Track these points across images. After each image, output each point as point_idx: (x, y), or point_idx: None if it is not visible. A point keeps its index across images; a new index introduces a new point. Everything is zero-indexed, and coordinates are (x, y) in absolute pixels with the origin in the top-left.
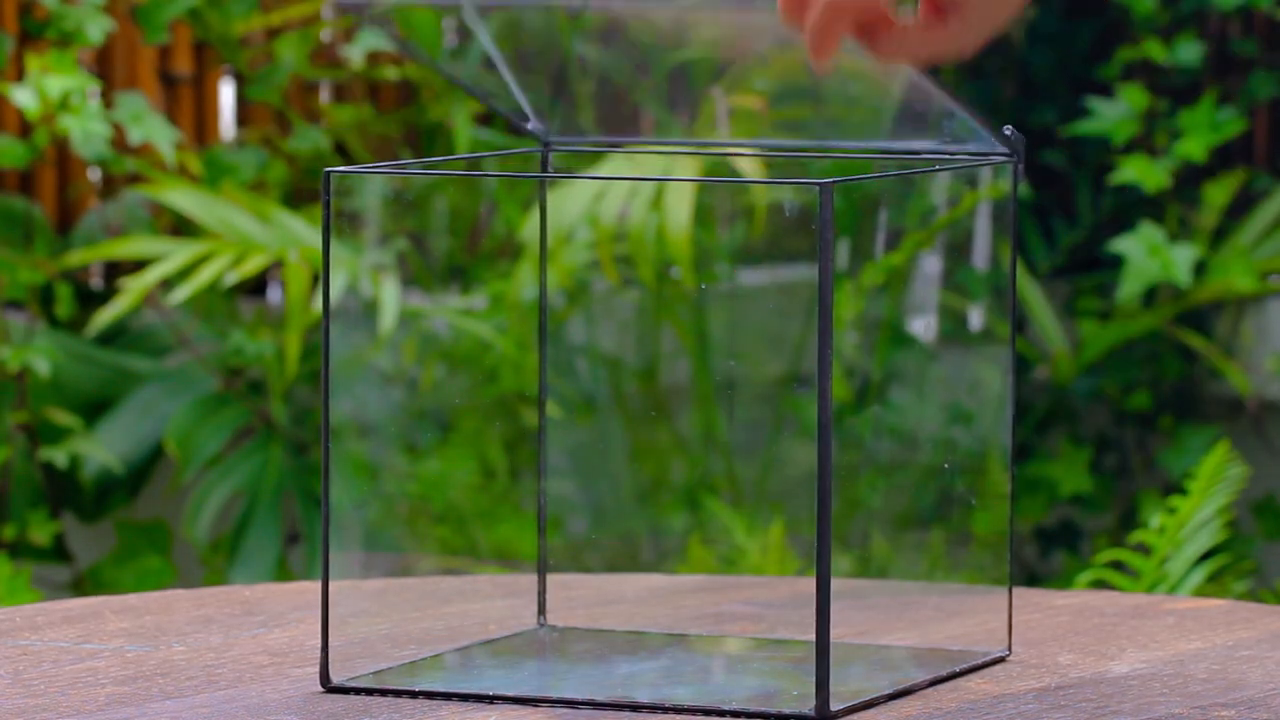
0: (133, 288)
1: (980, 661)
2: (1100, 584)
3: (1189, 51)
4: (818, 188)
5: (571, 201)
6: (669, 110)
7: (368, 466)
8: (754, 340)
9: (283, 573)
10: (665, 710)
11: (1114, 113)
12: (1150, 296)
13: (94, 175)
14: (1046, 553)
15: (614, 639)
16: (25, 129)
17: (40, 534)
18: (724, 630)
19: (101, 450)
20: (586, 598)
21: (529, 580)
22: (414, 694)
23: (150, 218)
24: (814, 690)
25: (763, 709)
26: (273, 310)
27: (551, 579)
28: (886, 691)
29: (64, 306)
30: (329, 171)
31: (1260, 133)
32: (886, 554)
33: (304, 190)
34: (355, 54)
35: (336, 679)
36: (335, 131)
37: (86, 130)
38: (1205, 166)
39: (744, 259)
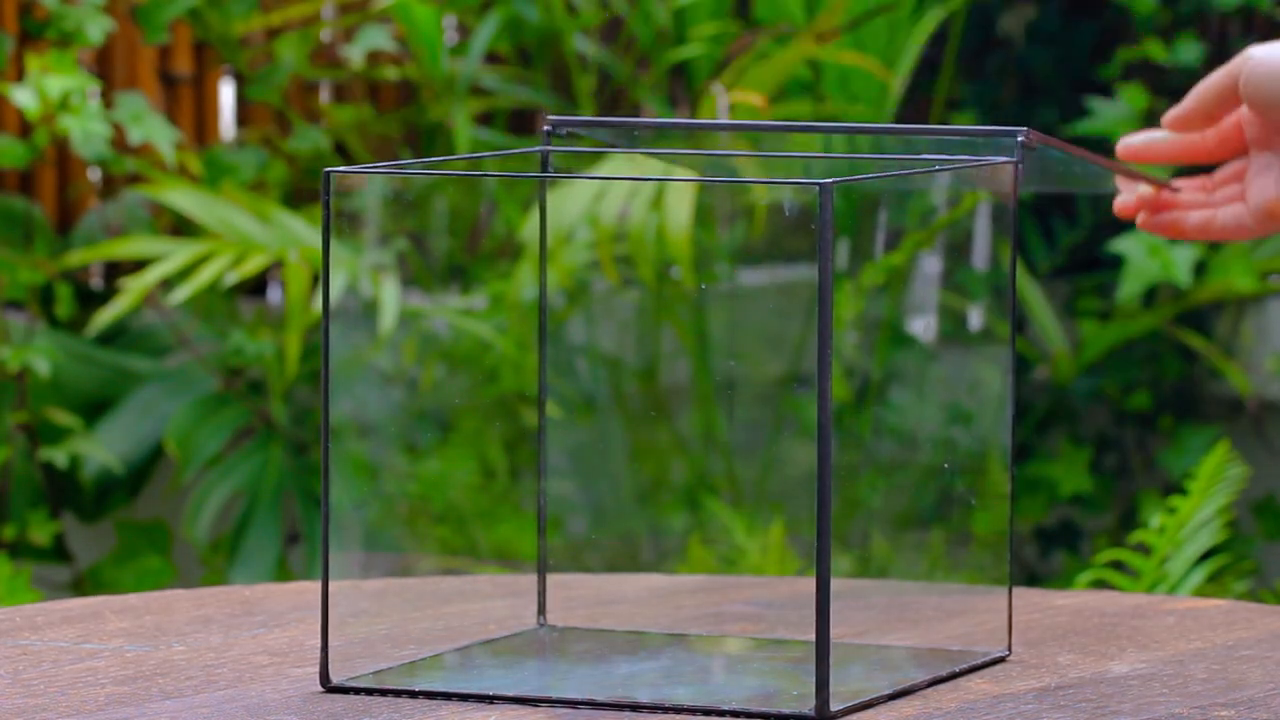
0: (133, 288)
1: (980, 661)
2: (1100, 584)
3: (1189, 52)
4: (817, 188)
5: (571, 201)
6: (670, 109)
7: (368, 466)
8: (754, 340)
9: (283, 573)
10: (665, 710)
11: (1114, 113)
12: (1150, 296)
13: (94, 175)
14: (1046, 553)
15: (614, 639)
16: (25, 129)
17: (40, 534)
18: (724, 630)
19: (101, 450)
20: (586, 598)
21: (529, 580)
22: (414, 694)
23: (150, 218)
24: (814, 690)
25: (763, 709)
26: (273, 310)
27: (551, 579)
28: (886, 691)
29: (64, 306)
30: (329, 171)
31: None
32: (886, 554)
33: (304, 190)
34: (355, 54)
35: (336, 679)
36: (335, 131)
37: (86, 130)
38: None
39: (744, 259)
